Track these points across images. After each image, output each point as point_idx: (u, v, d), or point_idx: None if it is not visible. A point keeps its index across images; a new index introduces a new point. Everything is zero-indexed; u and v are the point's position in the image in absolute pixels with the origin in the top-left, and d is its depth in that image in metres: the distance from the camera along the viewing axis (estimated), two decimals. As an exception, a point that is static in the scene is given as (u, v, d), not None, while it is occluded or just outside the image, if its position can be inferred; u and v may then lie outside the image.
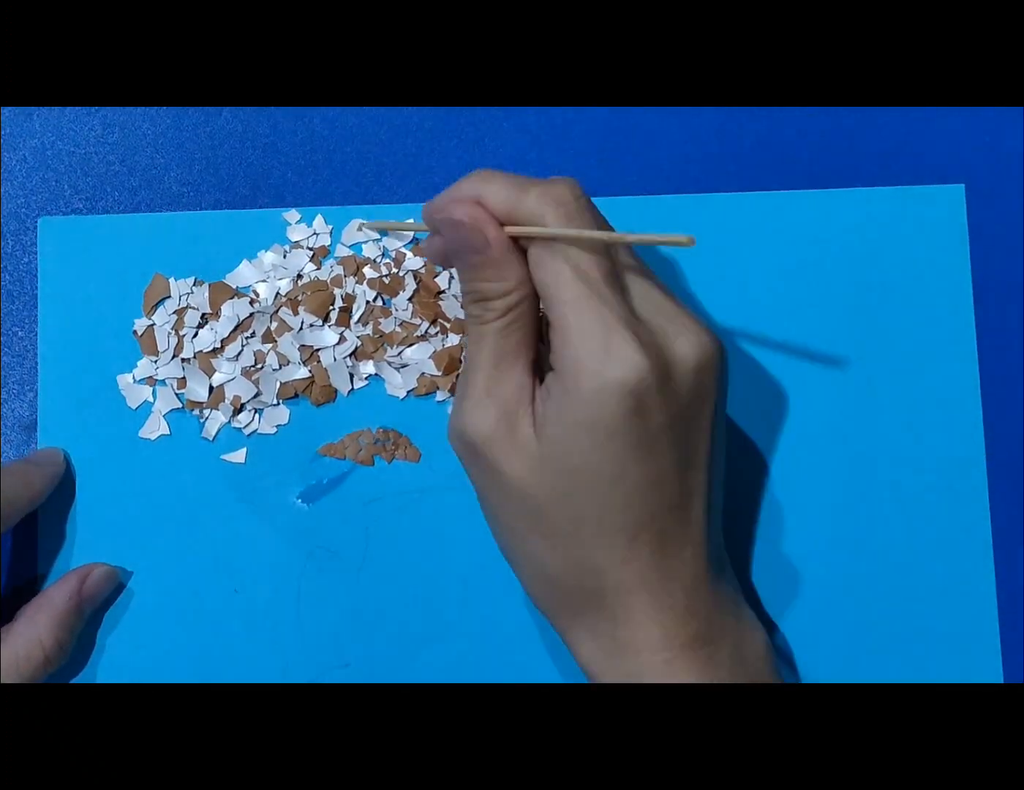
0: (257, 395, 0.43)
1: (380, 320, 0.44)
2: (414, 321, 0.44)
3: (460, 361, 0.44)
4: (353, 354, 0.44)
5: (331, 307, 0.44)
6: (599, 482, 0.35)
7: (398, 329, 0.44)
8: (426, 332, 0.44)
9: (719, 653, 0.36)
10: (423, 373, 0.44)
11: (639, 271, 0.37)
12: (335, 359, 0.44)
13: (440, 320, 0.44)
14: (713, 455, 0.36)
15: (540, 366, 0.37)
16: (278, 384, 0.44)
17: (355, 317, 0.44)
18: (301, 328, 0.44)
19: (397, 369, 0.44)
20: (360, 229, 0.44)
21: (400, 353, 0.44)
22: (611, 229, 0.37)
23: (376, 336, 0.44)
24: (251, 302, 0.44)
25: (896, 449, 0.45)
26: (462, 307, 0.37)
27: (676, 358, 0.35)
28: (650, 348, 0.34)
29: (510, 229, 0.36)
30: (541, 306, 0.36)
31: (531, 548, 0.36)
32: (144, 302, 0.44)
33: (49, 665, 0.40)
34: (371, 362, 0.44)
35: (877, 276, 0.46)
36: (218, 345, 0.44)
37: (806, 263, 0.46)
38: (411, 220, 0.44)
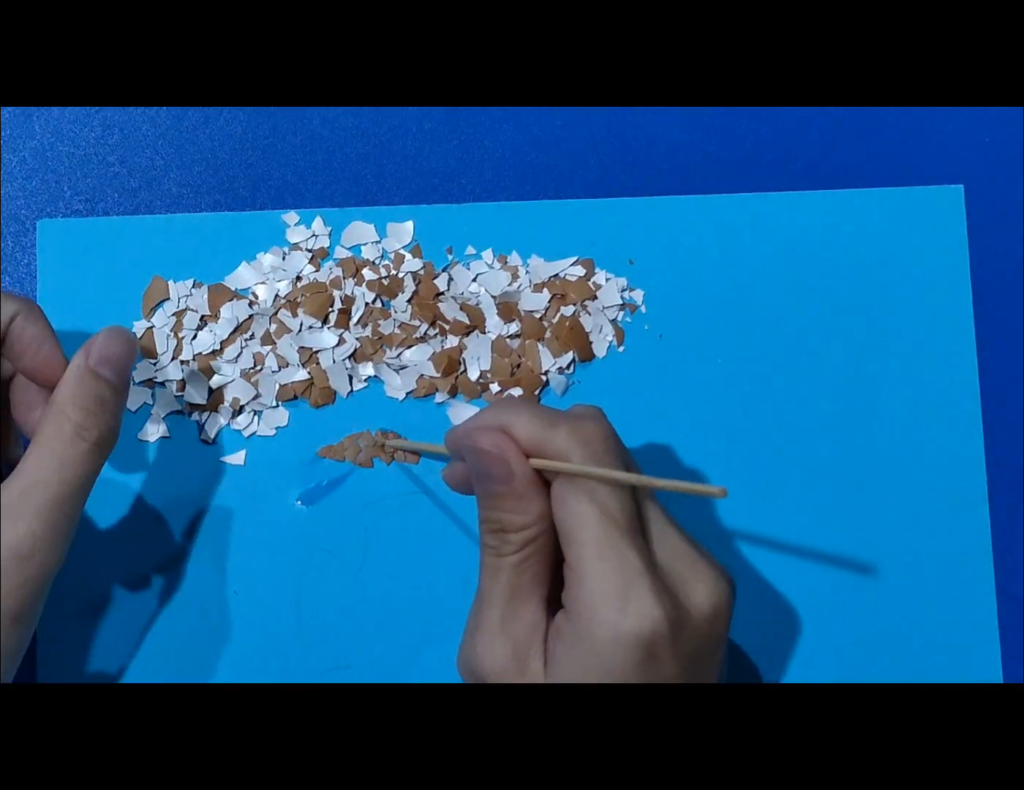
0: (256, 397, 0.43)
1: (379, 322, 0.44)
2: (413, 323, 0.44)
3: (459, 362, 0.44)
4: (352, 356, 0.44)
5: (330, 309, 0.44)
6: None
7: (397, 331, 0.44)
8: (425, 333, 0.44)
9: None
10: (422, 374, 0.44)
11: (659, 512, 0.36)
12: (334, 361, 0.44)
13: (439, 321, 0.44)
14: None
15: (551, 600, 0.37)
16: (277, 386, 0.44)
17: (354, 319, 0.44)
18: (300, 330, 0.44)
19: (396, 371, 0.44)
20: (392, 453, 0.44)
21: (399, 354, 0.44)
22: (638, 470, 0.37)
23: (375, 338, 0.44)
24: (250, 304, 0.44)
25: (895, 449, 0.45)
26: (480, 534, 0.37)
27: (692, 607, 0.35)
28: (667, 597, 0.34)
29: (535, 462, 0.35)
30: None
31: None
32: (143, 304, 0.44)
33: (81, 435, 0.36)
34: (370, 364, 0.44)
35: (876, 276, 0.46)
36: (217, 347, 0.44)
37: (805, 264, 0.46)
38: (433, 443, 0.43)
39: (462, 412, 0.44)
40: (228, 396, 0.44)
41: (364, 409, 0.44)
